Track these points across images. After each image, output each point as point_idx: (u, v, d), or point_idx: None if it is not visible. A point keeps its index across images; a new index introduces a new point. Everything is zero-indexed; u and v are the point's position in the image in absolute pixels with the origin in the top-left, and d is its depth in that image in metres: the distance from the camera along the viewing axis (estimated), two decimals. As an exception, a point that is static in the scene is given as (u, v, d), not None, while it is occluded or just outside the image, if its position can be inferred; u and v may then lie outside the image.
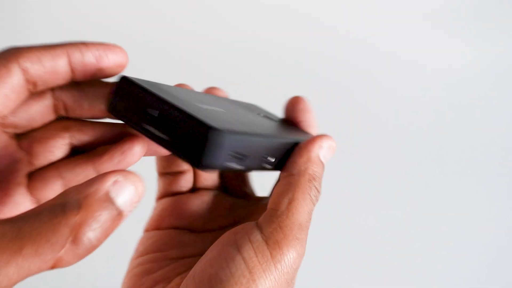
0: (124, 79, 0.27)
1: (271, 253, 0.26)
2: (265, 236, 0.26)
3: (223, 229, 0.33)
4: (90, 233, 0.20)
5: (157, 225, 0.34)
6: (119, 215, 0.21)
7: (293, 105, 0.36)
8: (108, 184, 0.21)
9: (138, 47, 0.88)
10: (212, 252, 0.26)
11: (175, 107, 0.25)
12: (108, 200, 0.21)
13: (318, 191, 0.29)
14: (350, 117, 0.86)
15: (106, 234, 0.21)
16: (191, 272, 0.27)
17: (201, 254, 0.30)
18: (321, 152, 0.30)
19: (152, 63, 0.82)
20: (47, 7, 0.91)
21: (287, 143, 0.30)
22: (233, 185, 0.37)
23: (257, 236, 0.26)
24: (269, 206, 0.28)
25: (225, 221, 0.34)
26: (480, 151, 0.84)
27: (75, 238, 0.20)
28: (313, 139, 0.29)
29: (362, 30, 0.90)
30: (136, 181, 0.22)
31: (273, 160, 0.29)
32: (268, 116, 0.36)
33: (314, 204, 0.28)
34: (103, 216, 0.20)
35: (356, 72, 0.89)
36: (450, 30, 0.91)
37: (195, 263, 0.28)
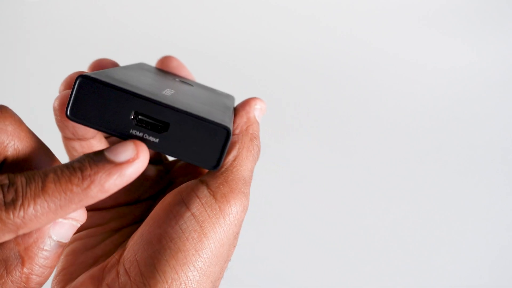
0: (86, 78, 0.24)
1: (219, 207, 0.26)
2: (212, 191, 0.27)
3: (158, 194, 0.34)
4: (39, 279, 0.22)
5: (89, 207, 0.32)
6: (60, 247, 0.23)
7: (165, 63, 0.38)
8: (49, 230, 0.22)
9: (134, 46, 0.88)
10: (157, 213, 0.27)
11: (181, 111, 0.24)
12: (49, 238, 0.22)
13: (259, 149, 0.30)
14: (350, 117, 0.85)
15: (53, 267, 0.23)
16: (136, 237, 0.26)
17: (141, 221, 0.30)
18: (256, 113, 0.31)
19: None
20: (47, 7, 0.91)
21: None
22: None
23: (204, 192, 0.27)
24: None
25: (159, 186, 0.34)
26: (480, 151, 0.84)
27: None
28: (248, 101, 0.31)
29: (362, 30, 0.90)
30: (75, 216, 0.23)
31: None
32: (179, 78, 0.36)
33: (255, 161, 0.29)
34: (46, 260, 0.22)
35: (356, 72, 0.89)
36: (450, 30, 0.91)
37: (135, 230, 0.28)
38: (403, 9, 0.90)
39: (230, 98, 0.36)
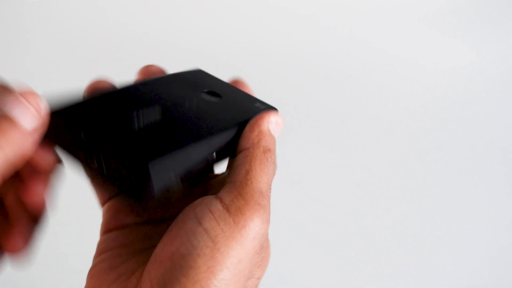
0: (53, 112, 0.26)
1: (234, 220, 0.25)
2: (226, 205, 0.25)
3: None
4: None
5: (114, 226, 0.33)
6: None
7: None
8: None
9: (132, 46, 0.88)
10: (171, 231, 0.26)
11: (107, 144, 0.24)
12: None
13: (274, 163, 0.29)
14: (350, 117, 0.86)
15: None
16: (152, 256, 0.26)
17: None
18: (271, 126, 0.30)
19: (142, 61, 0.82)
20: (47, 7, 0.92)
21: (227, 133, 0.30)
22: None
23: (217, 206, 0.26)
24: (227, 180, 0.28)
25: (184, 204, 0.34)
26: (480, 151, 0.84)
27: None
28: (261, 115, 0.30)
29: (361, 30, 0.91)
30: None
31: (215, 154, 0.29)
32: (211, 89, 0.34)
33: (272, 175, 0.28)
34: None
35: (356, 72, 0.89)
36: (450, 30, 0.91)
37: None
38: (403, 9, 0.91)
39: (255, 113, 0.32)
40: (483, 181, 0.81)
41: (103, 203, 0.34)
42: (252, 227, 0.25)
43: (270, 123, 0.30)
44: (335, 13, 0.89)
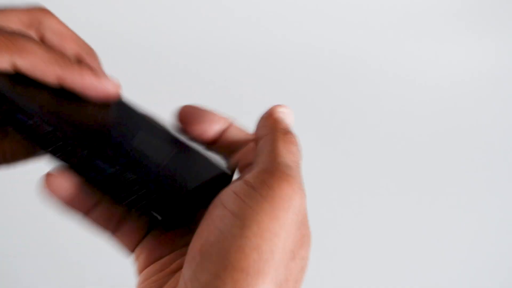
0: None
1: (260, 194, 0.22)
2: (250, 183, 0.23)
3: None
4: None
5: (151, 262, 0.30)
6: None
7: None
8: None
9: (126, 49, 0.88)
10: (200, 226, 0.24)
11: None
12: None
13: (298, 146, 0.26)
14: (350, 117, 0.85)
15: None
16: (185, 257, 0.24)
17: None
18: (282, 115, 0.28)
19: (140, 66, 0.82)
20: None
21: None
22: None
23: (241, 185, 0.23)
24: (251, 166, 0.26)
25: None
26: (481, 151, 0.84)
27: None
28: (269, 109, 0.28)
29: (362, 30, 0.90)
30: None
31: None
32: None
33: (298, 156, 0.25)
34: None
35: (357, 72, 0.89)
36: (450, 30, 0.90)
37: None
38: (403, 9, 0.90)
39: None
40: (484, 181, 0.81)
41: (132, 249, 0.31)
42: (284, 196, 0.22)
43: (281, 113, 0.28)
44: (335, 13, 0.89)
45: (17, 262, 0.64)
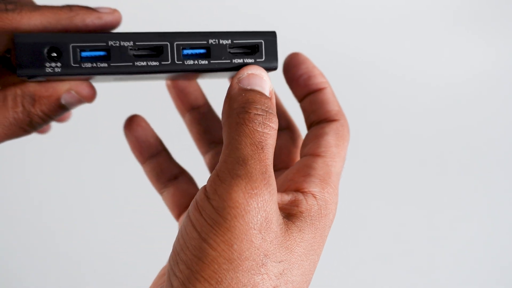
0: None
1: (212, 205, 0.22)
2: (206, 192, 0.23)
3: None
4: (38, 122, 0.28)
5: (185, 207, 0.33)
6: (62, 110, 0.29)
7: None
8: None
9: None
10: (179, 230, 0.25)
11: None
12: (59, 99, 0.28)
13: (261, 117, 0.24)
14: (350, 117, 0.85)
15: (51, 119, 0.29)
16: None
17: None
18: (243, 83, 0.26)
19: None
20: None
21: None
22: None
23: (200, 194, 0.23)
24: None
25: None
26: (482, 152, 0.83)
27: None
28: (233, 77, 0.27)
29: (362, 30, 0.91)
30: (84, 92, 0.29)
31: None
32: None
33: (259, 133, 0.24)
34: (49, 111, 0.28)
35: (357, 72, 0.89)
36: (451, 30, 0.90)
37: None
38: (404, 9, 0.90)
39: None
40: (485, 181, 0.80)
41: (177, 215, 0.34)
42: (235, 205, 0.22)
43: (241, 81, 0.26)
44: (334, 13, 0.89)
45: (17, 262, 0.64)
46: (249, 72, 0.26)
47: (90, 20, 0.27)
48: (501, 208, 0.78)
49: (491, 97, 0.87)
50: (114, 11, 0.29)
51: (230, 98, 0.25)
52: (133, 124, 0.34)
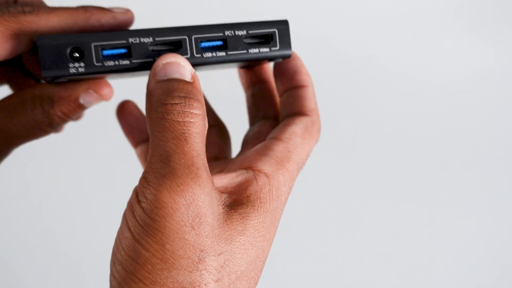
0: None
1: (142, 207, 0.22)
2: (137, 193, 0.23)
3: None
4: (58, 122, 0.29)
5: None
6: (81, 109, 0.29)
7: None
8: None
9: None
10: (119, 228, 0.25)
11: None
12: (77, 99, 0.29)
13: (181, 107, 0.23)
14: (350, 117, 0.85)
15: (69, 119, 0.29)
16: None
17: None
18: (160, 74, 0.25)
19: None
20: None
21: None
22: None
23: (133, 196, 0.23)
24: None
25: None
26: (482, 149, 0.83)
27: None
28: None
29: (362, 30, 0.90)
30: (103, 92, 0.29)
31: None
32: None
33: (180, 125, 0.23)
34: (68, 110, 0.29)
35: (358, 72, 0.89)
36: (451, 27, 0.90)
37: None
38: (405, 5, 0.90)
39: None
40: (485, 181, 0.81)
41: (135, 145, 0.36)
42: (162, 206, 0.22)
43: (157, 74, 0.25)
44: (334, 13, 0.89)
45: (17, 262, 0.64)
46: (164, 62, 0.25)
47: (105, 20, 0.28)
48: (501, 206, 0.78)
49: (491, 94, 0.86)
50: (127, 10, 0.29)
51: (148, 95, 0.25)
52: (124, 112, 0.35)
